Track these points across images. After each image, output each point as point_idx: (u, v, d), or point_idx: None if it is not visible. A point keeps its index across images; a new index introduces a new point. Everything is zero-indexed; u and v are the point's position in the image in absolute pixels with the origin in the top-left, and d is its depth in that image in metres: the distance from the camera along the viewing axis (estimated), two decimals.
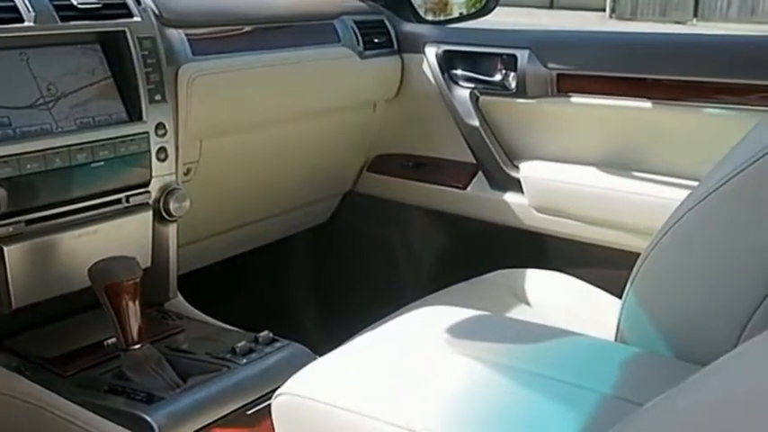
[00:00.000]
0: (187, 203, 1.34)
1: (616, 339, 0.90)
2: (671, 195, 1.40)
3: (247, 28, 1.56)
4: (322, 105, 1.73)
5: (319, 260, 2.04)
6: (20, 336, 1.22)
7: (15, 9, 1.17)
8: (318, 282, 2.04)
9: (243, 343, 1.20)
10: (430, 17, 2.01)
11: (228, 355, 1.18)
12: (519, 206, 1.70)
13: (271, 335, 1.24)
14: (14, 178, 1.13)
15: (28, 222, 1.16)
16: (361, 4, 1.86)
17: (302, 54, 1.63)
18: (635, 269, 0.87)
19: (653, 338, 0.83)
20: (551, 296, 1.38)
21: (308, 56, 1.65)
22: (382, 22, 1.84)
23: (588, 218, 1.59)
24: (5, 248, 1.14)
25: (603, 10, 13.97)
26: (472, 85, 1.75)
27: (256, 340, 1.23)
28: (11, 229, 1.14)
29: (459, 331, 0.87)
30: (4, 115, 1.14)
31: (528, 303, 1.37)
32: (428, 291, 1.40)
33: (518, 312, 1.33)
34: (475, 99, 1.75)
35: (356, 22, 1.77)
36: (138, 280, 1.13)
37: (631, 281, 0.87)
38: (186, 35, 1.42)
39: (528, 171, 1.68)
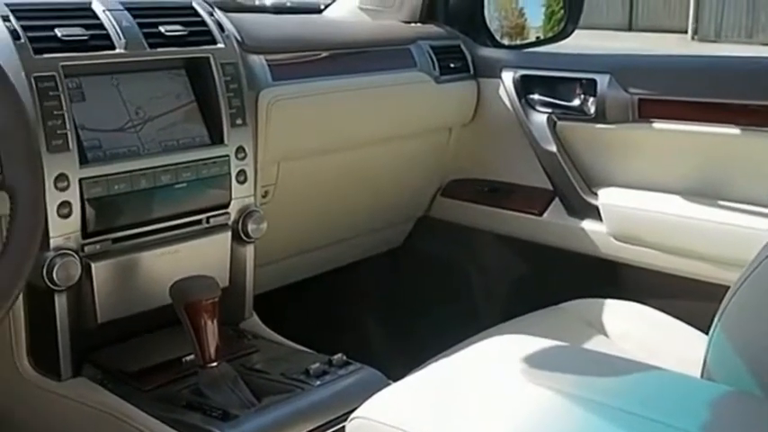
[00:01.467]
0: (264, 225, 1.36)
1: (702, 376, 0.87)
2: (761, 226, 1.36)
3: (325, 53, 1.58)
4: (398, 130, 1.74)
5: (393, 284, 2.05)
6: (104, 349, 1.25)
7: (108, 37, 1.21)
8: (391, 305, 2.04)
9: (317, 365, 1.21)
10: (506, 41, 2.00)
11: (302, 377, 1.19)
12: (597, 234, 1.67)
13: (344, 358, 1.24)
14: (103, 198, 1.17)
15: (114, 240, 1.20)
16: (438, 29, 1.87)
17: (378, 79, 1.65)
18: (724, 302, 0.83)
19: (743, 376, 0.80)
20: (631, 328, 1.35)
21: (384, 81, 1.66)
22: (458, 46, 1.85)
23: (671, 247, 1.55)
24: (93, 265, 1.17)
25: (685, 32, 13.66)
26: (549, 110, 1.74)
27: (330, 362, 1.23)
28: (98, 246, 1.18)
29: (535, 361, 0.86)
30: (95, 137, 1.18)
31: (606, 335, 1.35)
32: (502, 318, 1.39)
33: (595, 344, 1.30)
34: (552, 124, 1.73)
35: (432, 47, 1.78)
36: (216, 299, 1.15)
37: (719, 315, 0.84)
38: (267, 61, 1.45)
39: (607, 198, 1.65)
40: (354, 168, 1.71)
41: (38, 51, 1.13)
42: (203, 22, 1.34)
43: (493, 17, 1.98)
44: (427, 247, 1.99)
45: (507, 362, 0.85)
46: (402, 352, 1.51)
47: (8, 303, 0.91)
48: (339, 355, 1.25)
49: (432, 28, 1.87)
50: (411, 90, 1.72)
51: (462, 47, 1.85)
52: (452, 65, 1.80)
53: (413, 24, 1.87)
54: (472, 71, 1.84)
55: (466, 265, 1.95)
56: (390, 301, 2.05)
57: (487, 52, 1.87)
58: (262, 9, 1.87)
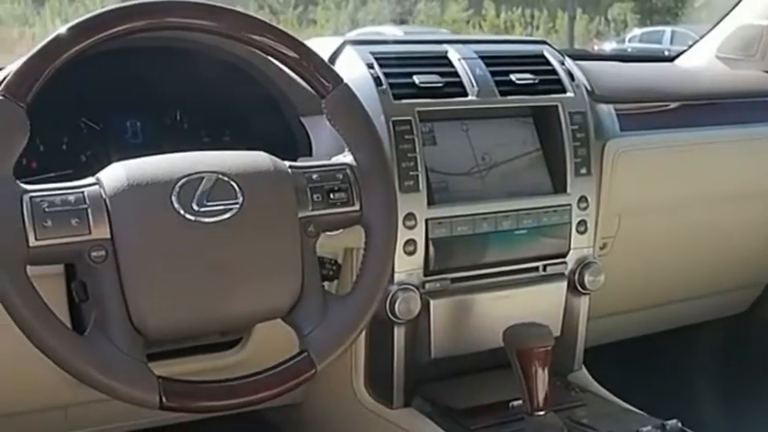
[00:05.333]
0: (602, 278, 1.33)
1: None
2: None
3: (674, 105, 1.53)
4: (750, 187, 1.62)
5: (733, 352, 1.89)
6: (433, 384, 1.29)
7: (461, 84, 1.27)
8: (730, 375, 1.88)
9: (648, 428, 1.15)
10: None
11: None
12: None
13: (679, 425, 1.17)
14: (446, 238, 1.21)
15: (453, 280, 1.24)
16: None
17: (735, 133, 1.56)
18: None
19: None
20: None
21: (741, 135, 1.56)
22: None
23: None
24: (432, 302, 1.22)
25: None
26: None
27: (663, 427, 1.16)
28: (438, 285, 1.23)
29: None
30: (443, 180, 1.24)
31: None
32: None
33: None
34: None
35: None
36: (549, 348, 1.13)
37: None
38: (615, 110, 1.43)
39: None
40: (700, 226, 1.61)
41: (397, 97, 1.21)
42: (554, 71, 1.35)
43: None
44: None
45: None
46: (741, 426, 1.38)
47: (361, 327, 0.97)
48: (674, 421, 1.17)
49: None
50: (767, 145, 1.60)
51: None
52: None
53: None
54: None
55: None
56: (729, 371, 1.89)
57: None
58: (611, 57, 1.86)
